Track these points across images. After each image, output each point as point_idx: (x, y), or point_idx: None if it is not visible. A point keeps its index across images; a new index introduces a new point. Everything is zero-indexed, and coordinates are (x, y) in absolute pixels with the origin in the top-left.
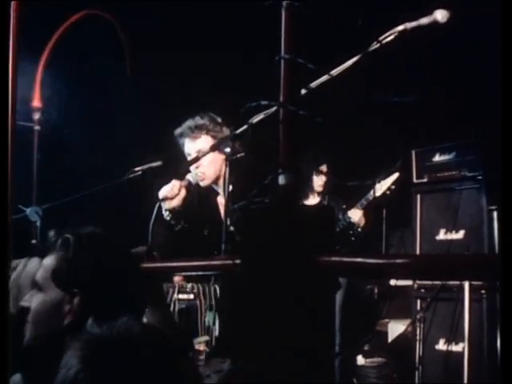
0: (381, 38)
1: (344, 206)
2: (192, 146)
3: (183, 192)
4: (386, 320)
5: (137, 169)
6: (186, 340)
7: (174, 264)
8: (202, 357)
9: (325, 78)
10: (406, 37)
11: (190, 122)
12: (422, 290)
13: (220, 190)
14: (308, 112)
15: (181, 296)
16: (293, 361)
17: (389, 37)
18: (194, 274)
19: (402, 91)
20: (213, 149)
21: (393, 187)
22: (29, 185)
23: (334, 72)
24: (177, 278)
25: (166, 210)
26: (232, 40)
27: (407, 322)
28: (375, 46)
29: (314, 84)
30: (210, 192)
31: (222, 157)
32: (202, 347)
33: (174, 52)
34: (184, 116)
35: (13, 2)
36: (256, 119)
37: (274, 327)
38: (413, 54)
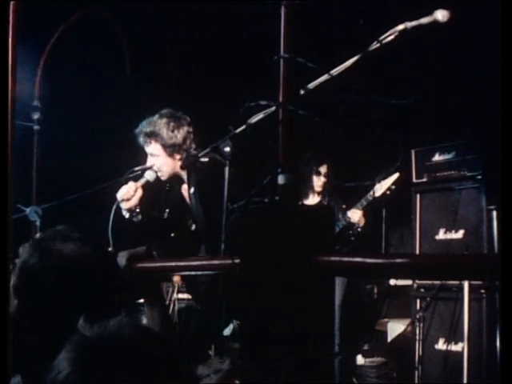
0: (381, 38)
1: (344, 206)
2: (147, 149)
3: (139, 192)
4: (386, 319)
5: (137, 168)
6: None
7: (173, 264)
8: None
9: (325, 77)
10: (407, 36)
11: (141, 127)
12: (422, 290)
13: (184, 178)
14: (307, 112)
15: (180, 295)
16: (292, 360)
17: (389, 36)
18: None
19: (401, 91)
20: (213, 150)
21: (393, 187)
22: (28, 184)
23: (334, 71)
24: (176, 278)
25: (124, 210)
26: (232, 39)
27: (407, 321)
28: (375, 45)
29: (313, 84)
30: (174, 181)
31: (175, 160)
32: None
33: (172, 51)
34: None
35: (12, 3)
36: (255, 119)
37: (273, 327)
38: (413, 53)
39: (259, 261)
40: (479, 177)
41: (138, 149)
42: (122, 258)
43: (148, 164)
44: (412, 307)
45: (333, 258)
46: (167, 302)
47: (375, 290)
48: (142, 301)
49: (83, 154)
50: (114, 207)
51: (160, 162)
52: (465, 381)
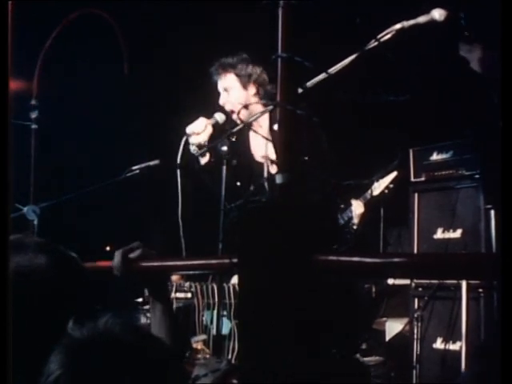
0: (379, 37)
1: (342, 206)
2: (220, 84)
3: (209, 129)
4: (384, 319)
5: (135, 167)
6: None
7: (171, 263)
8: (200, 355)
9: (322, 76)
10: (404, 35)
11: (218, 62)
12: (420, 289)
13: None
14: (305, 111)
15: (178, 295)
16: (290, 359)
17: (386, 35)
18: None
19: (399, 90)
20: (210, 149)
21: (391, 186)
22: (26, 183)
23: (332, 70)
24: (174, 277)
25: (192, 145)
26: (230, 39)
27: (405, 320)
28: (373, 44)
29: (311, 83)
30: (244, 130)
31: (249, 95)
32: (199, 346)
33: (170, 51)
34: (180, 115)
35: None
36: (253, 118)
37: (271, 326)
38: (411, 51)
39: (257, 260)
40: (477, 176)
41: (136, 147)
42: (116, 257)
43: (221, 101)
44: (410, 306)
45: (331, 258)
46: None
47: (373, 290)
48: (140, 300)
49: (81, 153)
50: (183, 141)
51: (234, 96)
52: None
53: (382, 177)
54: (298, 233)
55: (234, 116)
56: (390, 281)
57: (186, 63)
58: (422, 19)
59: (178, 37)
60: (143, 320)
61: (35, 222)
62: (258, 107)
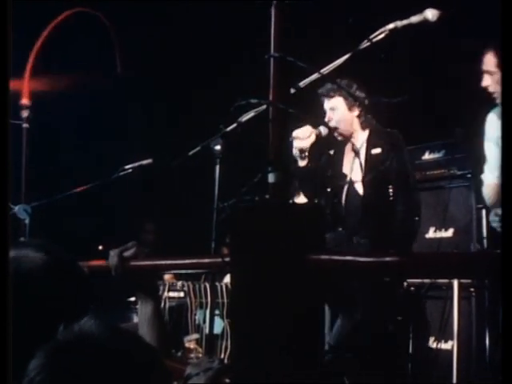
0: (371, 37)
1: None
2: (327, 104)
3: (313, 137)
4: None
5: (127, 167)
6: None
7: (164, 262)
8: (193, 354)
9: (315, 76)
10: (397, 35)
11: (328, 85)
12: (412, 288)
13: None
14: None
15: (171, 294)
16: (283, 359)
17: (379, 35)
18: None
19: (391, 90)
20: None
21: None
22: (17, 182)
23: (325, 70)
24: (167, 276)
25: (294, 148)
26: (223, 38)
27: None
28: (366, 44)
29: (303, 82)
30: (339, 141)
31: (353, 116)
32: (192, 345)
33: (163, 50)
34: (175, 114)
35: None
36: (246, 117)
37: (264, 325)
38: (403, 52)
39: (249, 259)
40: (469, 175)
41: (128, 147)
42: (113, 257)
43: (327, 118)
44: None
45: (323, 257)
46: None
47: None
48: (133, 299)
49: (73, 152)
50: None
51: (339, 116)
52: (454, 379)
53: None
54: (290, 232)
55: (336, 133)
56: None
57: (181, 62)
58: (414, 19)
59: (170, 35)
60: (136, 319)
61: (26, 222)
62: (357, 130)
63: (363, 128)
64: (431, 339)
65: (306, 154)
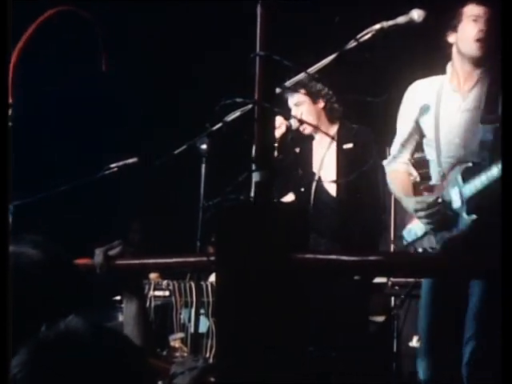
0: (358, 37)
1: None
2: (291, 101)
3: (283, 128)
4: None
5: (112, 165)
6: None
7: (149, 261)
8: (178, 353)
9: (301, 75)
10: (383, 35)
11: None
12: (396, 288)
13: (317, 136)
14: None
15: (156, 293)
16: (268, 358)
17: (366, 35)
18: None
19: (376, 89)
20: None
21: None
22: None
23: (311, 70)
24: (152, 275)
25: None
26: (208, 37)
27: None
28: (352, 44)
29: (290, 82)
30: (307, 136)
31: (319, 108)
32: (177, 344)
33: (149, 48)
34: (160, 112)
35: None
36: (231, 117)
37: (249, 324)
38: (388, 51)
39: (234, 258)
40: None
41: (113, 145)
42: (98, 256)
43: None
44: (387, 305)
45: (308, 256)
46: None
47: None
48: (118, 298)
49: (57, 151)
50: None
51: (305, 110)
52: None
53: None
54: (275, 231)
55: (301, 128)
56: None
57: (167, 60)
58: (401, 19)
59: (160, 34)
60: (121, 318)
61: (9, 220)
62: (325, 123)
63: (331, 121)
64: (415, 338)
65: (276, 144)
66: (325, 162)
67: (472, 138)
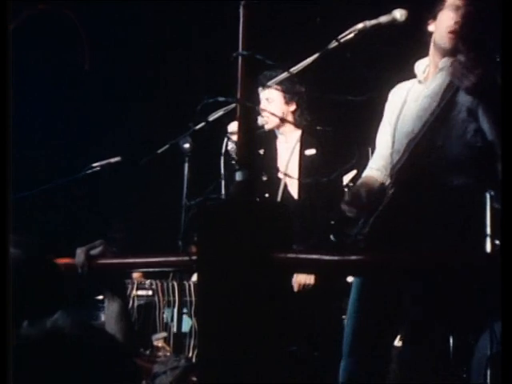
0: (340, 36)
1: None
2: (263, 94)
3: None
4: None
5: (95, 164)
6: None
7: (131, 260)
8: (161, 353)
9: (284, 75)
10: (366, 35)
11: (266, 73)
12: None
13: (280, 135)
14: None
15: (139, 292)
16: (250, 357)
17: (348, 35)
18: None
19: (358, 89)
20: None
21: (351, 184)
22: None
23: (294, 69)
24: (135, 274)
25: (232, 143)
26: (191, 36)
27: None
28: (334, 43)
29: (272, 81)
30: (271, 134)
31: (289, 111)
32: (160, 344)
33: (131, 47)
34: (141, 112)
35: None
36: (214, 116)
37: (230, 323)
38: (371, 51)
39: (215, 258)
40: None
41: (96, 144)
42: (79, 255)
43: (261, 107)
44: None
45: (289, 255)
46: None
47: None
48: (101, 297)
49: (38, 149)
50: (226, 139)
51: (274, 108)
52: None
53: (342, 175)
54: (257, 230)
55: (267, 126)
56: (350, 278)
57: (150, 58)
58: (383, 19)
59: (142, 32)
60: (103, 318)
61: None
62: (290, 126)
63: (296, 126)
64: (397, 338)
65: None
66: (289, 168)
67: (420, 125)
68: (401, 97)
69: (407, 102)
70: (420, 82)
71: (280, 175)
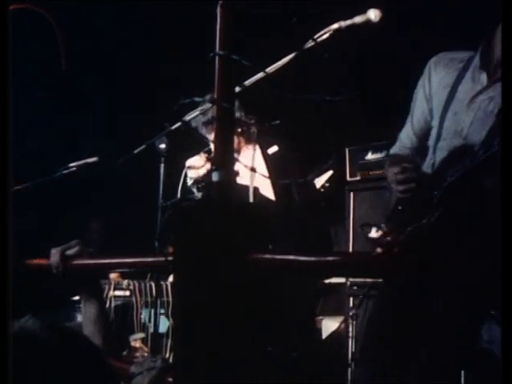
0: (316, 36)
1: None
2: (211, 136)
3: (208, 165)
4: (320, 317)
5: (72, 164)
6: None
7: (107, 261)
8: (138, 353)
9: (260, 75)
10: (341, 35)
11: (198, 120)
12: (355, 288)
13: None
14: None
15: (117, 293)
16: (225, 358)
17: (324, 35)
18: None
19: (336, 89)
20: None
21: (327, 185)
22: None
23: (270, 69)
24: (112, 275)
25: (190, 178)
26: (168, 36)
27: (340, 319)
28: (310, 44)
29: (249, 81)
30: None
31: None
32: (137, 344)
33: (110, 47)
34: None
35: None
36: (190, 116)
37: (206, 324)
38: (347, 51)
39: (191, 258)
40: None
41: (73, 144)
42: (54, 255)
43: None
44: (345, 305)
45: (266, 256)
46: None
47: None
48: (77, 298)
49: (13, 148)
50: (183, 174)
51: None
52: None
53: (318, 175)
54: (233, 231)
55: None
56: (327, 279)
57: (127, 59)
58: (358, 19)
59: (119, 34)
60: (79, 318)
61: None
62: (243, 146)
63: (248, 143)
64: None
65: (203, 184)
66: (255, 180)
67: (479, 128)
68: (445, 72)
69: (459, 99)
70: (482, 70)
71: (247, 182)
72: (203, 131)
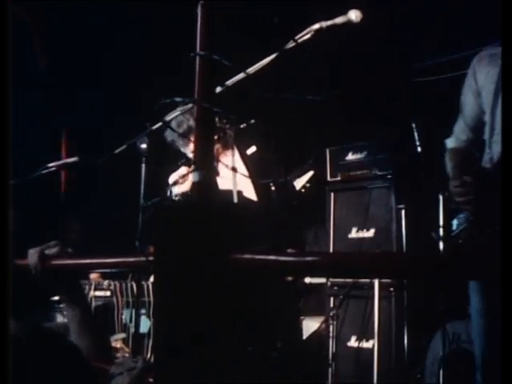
0: (297, 37)
1: None
2: (187, 149)
3: (191, 176)
4: (301, 317)
5: (51, 164)
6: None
7: (86, 261)
8: (119, 354)
9: (241, 75)
10: (322, 35)
11: (173, 136)
12: (335, 288)
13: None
14: (222, 110)
15: (97, 293)
16: (206, 359)
17: (305, 35)
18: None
19: (316, 89)
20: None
21: (307, 185)
22: None
23: (251, 70)
24: (93, 275)
25: (175, 195)
26: (149, 36)
27: (321, 319)
28: (291, 44)
29: (230, 82)
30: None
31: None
32: (118, 345)
33: (87, 46)
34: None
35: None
36: (170, 116)
37: (186, 324)
38: (328, 52)
39: (172, 258)
40: (389, 176)
41: (51, 144)
42: (32, 256)
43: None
44: (326, 305)
45: (246, 256)
46: None
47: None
48: (56, 298)
49: None
50: (168, 192)
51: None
52: (375, 376)
53: (299, 176)
54: (213, 231)
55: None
56: (307, 279)
57: (109, 59)
58: (339, 20)
59: (101, 33)
60: (60, 319)
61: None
62: (221, 152)
63: (226, 148)
64: (353, 338)
65: (190, 197)
66: (238, 182)
67: None
68: (491, 65)
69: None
70: None
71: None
72: (179, 144)
